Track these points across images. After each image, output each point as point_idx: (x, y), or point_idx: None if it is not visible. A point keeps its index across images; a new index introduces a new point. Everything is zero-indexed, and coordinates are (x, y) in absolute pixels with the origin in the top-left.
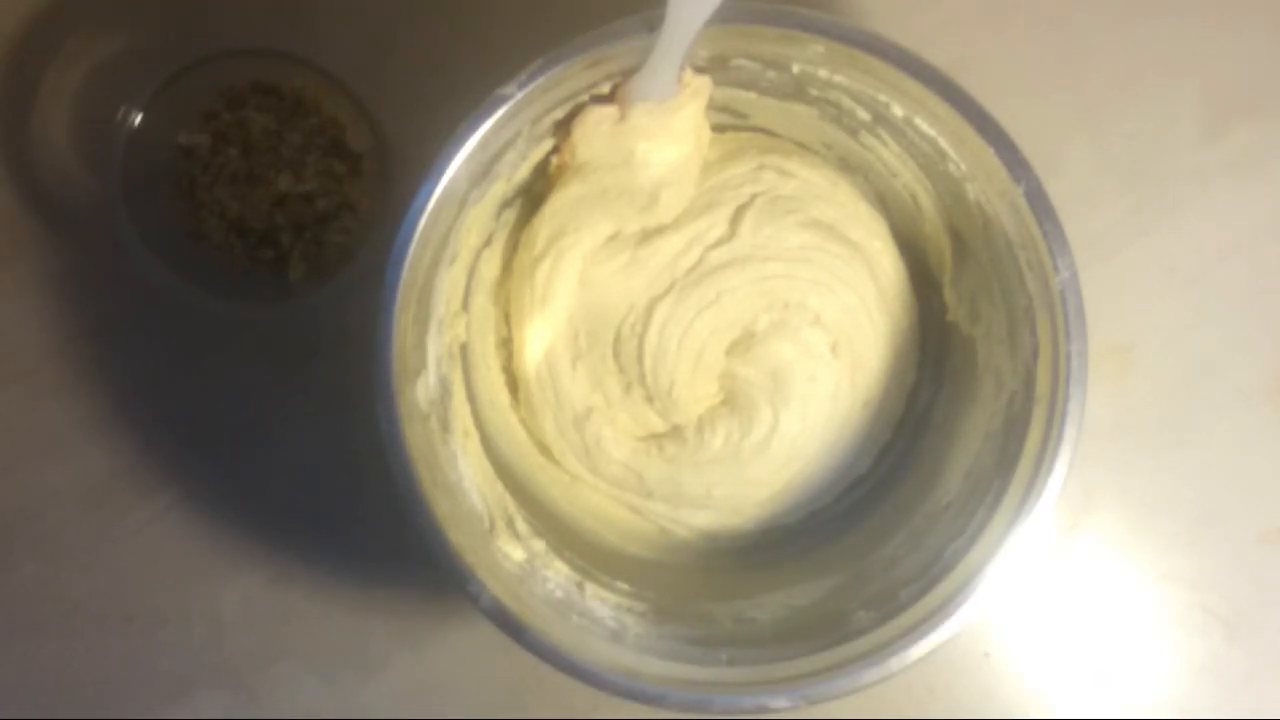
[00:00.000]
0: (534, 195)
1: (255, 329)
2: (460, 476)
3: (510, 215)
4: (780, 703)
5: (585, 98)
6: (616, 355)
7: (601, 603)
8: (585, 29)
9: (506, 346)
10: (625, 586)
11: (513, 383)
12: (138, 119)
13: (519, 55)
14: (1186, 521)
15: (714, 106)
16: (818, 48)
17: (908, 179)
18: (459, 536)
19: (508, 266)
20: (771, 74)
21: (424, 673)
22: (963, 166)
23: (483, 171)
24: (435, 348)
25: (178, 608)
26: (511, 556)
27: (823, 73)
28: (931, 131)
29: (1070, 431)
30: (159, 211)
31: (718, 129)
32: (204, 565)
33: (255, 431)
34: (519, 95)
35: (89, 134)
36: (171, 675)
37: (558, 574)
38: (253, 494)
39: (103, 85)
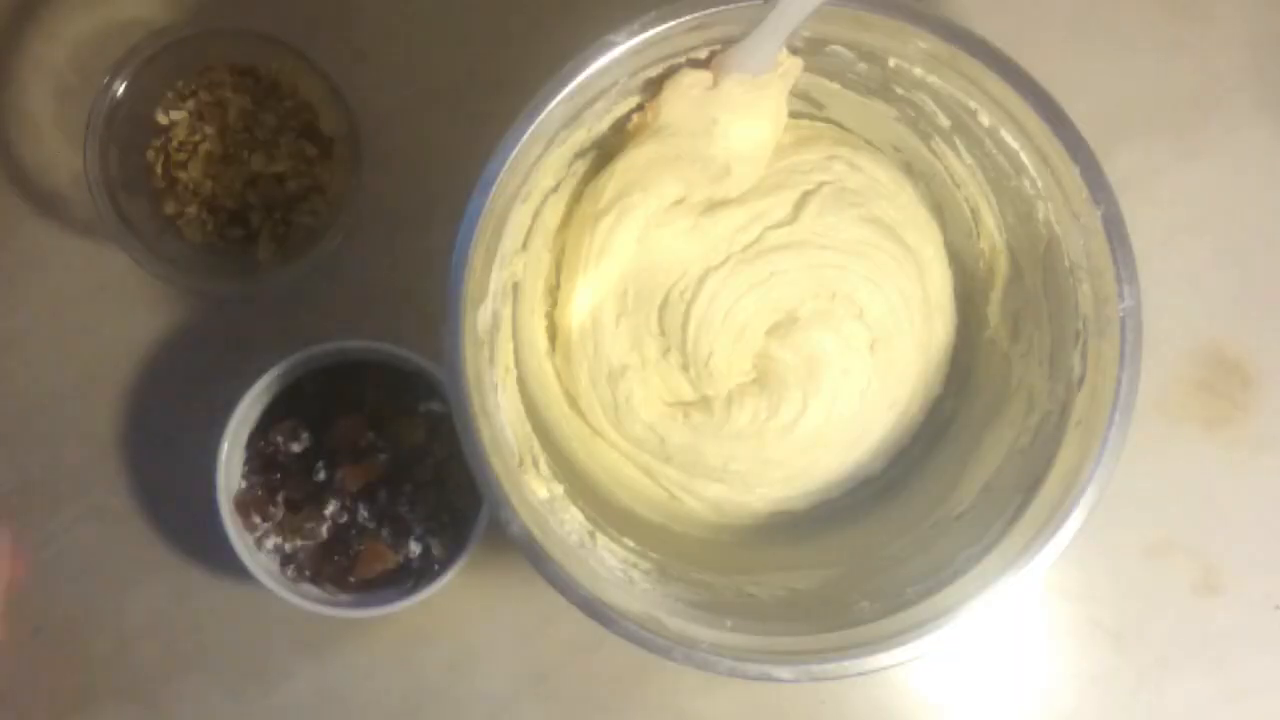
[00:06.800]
0: (607, 150)
1: (221, 326)
2: (498, 408)
3: (581, 165)
4: (784, 674)
5: (682, 60)
6: (661, 318)
7: (610, 554)
8: (581, 19)
9: (553, 294)
10: (631, 543)
11: (553, 329)
12: (117, 95)
13: (483, 51)
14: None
15: (793, 93)
16: (921, 44)
17: (971, 191)
18: (497, 464)
19: (568, 216)
20: (862, 66)
21: (326, 684)
22: (1039, 184)
23: (573, 114)
24: (496, 281)
25: (86, 619)
26: (536, 493)
27: (917, 71)
28: (1014, 145)
29: (1109, 457)
30: (135, 188)
31: (792, 115)
32: (111, 577)
33: (174, 439)
34: (626, 45)
35: (68, 110)
36: (78, 687)
37: (573, 519)
38: (164, 503)
39: (83, 62)
